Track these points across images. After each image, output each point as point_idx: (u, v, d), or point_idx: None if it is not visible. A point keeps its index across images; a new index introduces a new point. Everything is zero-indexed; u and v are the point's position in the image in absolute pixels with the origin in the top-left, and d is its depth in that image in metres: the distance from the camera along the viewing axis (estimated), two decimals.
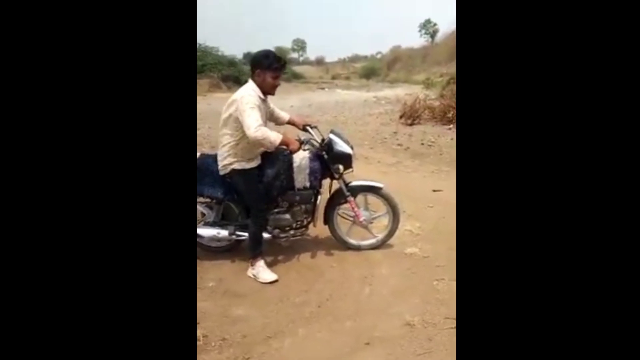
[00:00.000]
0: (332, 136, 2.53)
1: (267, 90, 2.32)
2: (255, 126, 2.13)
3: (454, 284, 2.28)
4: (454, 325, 1.93)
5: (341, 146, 2.51)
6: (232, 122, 2.26)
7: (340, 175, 2.54)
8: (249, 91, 2.26)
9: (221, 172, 2.37)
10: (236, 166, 2.33)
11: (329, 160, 2.48)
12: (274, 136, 2.19)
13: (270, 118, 2.56)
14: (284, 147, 2.28)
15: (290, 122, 2.64)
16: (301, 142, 2.38)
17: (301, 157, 2.44)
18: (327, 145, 2.49)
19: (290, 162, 2.43)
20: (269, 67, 2.27)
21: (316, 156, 2.49)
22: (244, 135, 2.22)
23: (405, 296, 2.20)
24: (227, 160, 2.33)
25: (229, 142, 2.30)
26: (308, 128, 2.61)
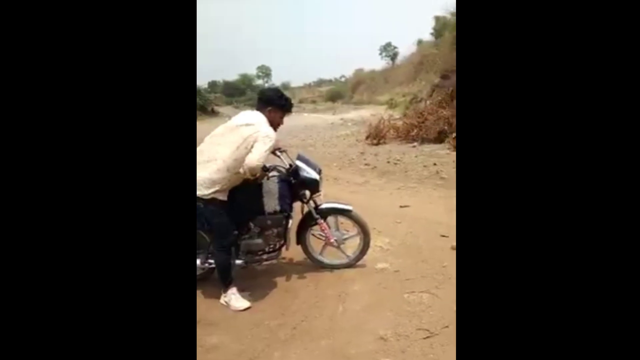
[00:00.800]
0: (298, 162, 2.60)
1: (274, 127, 2.36)
2: (260, 160, 2.18)
3: (423, 295, 2.37)
4: (426, 335, 1.99)
5: (307, 172, 2.57)
6: (245, 148, 2.19)
7: (309, 199, 2.60)
8: (268, 126, 2.28)
9: (201, 195, 2.19)
10: (220, 196, 2.24)
11: (295, 185, 2.54)
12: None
13: None
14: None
15: None
16: (266, 170, 2.41)
17: (270, 182, 2.50)
18: (294, 172, 2.55)
19: (259, 187, 2.47)
20: (282, 107, 2.37)
21: (285, 180, 2.55)
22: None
23: (377, 311, 2.25)
24: (216, 187, 2.20)
25: (234, 168, 2.20)
26: (277, 152, 2.66)
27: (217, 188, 2.22)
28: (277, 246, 2.60)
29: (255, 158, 2.17)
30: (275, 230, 2.54)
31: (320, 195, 2.66)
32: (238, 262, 2.49)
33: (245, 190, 2.41)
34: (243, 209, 2.42)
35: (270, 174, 2.51)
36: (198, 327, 2.17)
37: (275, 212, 2.50)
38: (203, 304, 2.40)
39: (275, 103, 2.35)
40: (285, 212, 2.54)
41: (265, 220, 2.51)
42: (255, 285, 2.61)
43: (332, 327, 2.12)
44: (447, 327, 2.03)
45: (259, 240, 2.54)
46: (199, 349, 1.97)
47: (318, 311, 2.29)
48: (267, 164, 2.48)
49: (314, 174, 2.58)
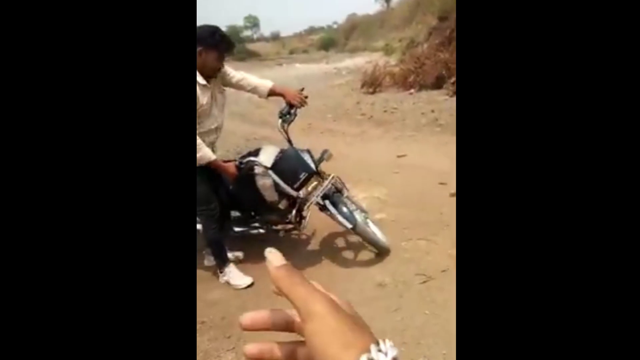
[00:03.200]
0: (271, 173, 2.19)
1: (209, 72, 2.01)
2: None
3: (420, 242, 2.39)
4: (423, 280, 2.03)
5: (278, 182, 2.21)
6: None
7: (298, 187, 2.21)
8: None
9: None
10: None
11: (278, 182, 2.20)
12: (204, 153, 1.96)
13: (252, 91, 2.29)
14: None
15: (273, 94, 2.29)
16: (239, 168, 2.14)
17: (259, 177, 2.26)
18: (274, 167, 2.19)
19: (253, 182, 2.25)
20: (216, 46, 1.98)
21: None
22: None
23: (375, 260, 2.28)
24: None
25: None
26: (286, 119, 2.27)
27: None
28: (294, 221, 2.37)
29: None
30: (282, 218, 2.37)
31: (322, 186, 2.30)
32: (261, 231, 2.44)
33: (242, 184, 2.25)
34: (243, 202, 2.37)
35: (256, 170, 2.26)
36: (199, 284, 2.21)
37: (276, 201, 2.30)
38: (202, 264, 2.43)
39: (206, 41, 1.93)
40: (286, 198, 2.28)
41: (270, 211, 2.36)
42: (249, 247, 2.58)
43: (332, 278, 2.16)
44: (444, 271, 2.07)
45: (274, 216, 2.40)
46: (200, 304, 2.01)
47: (318, 263, 2.33)
48: (242, 160, 2.19)
49: (283, 185, 2.19)
